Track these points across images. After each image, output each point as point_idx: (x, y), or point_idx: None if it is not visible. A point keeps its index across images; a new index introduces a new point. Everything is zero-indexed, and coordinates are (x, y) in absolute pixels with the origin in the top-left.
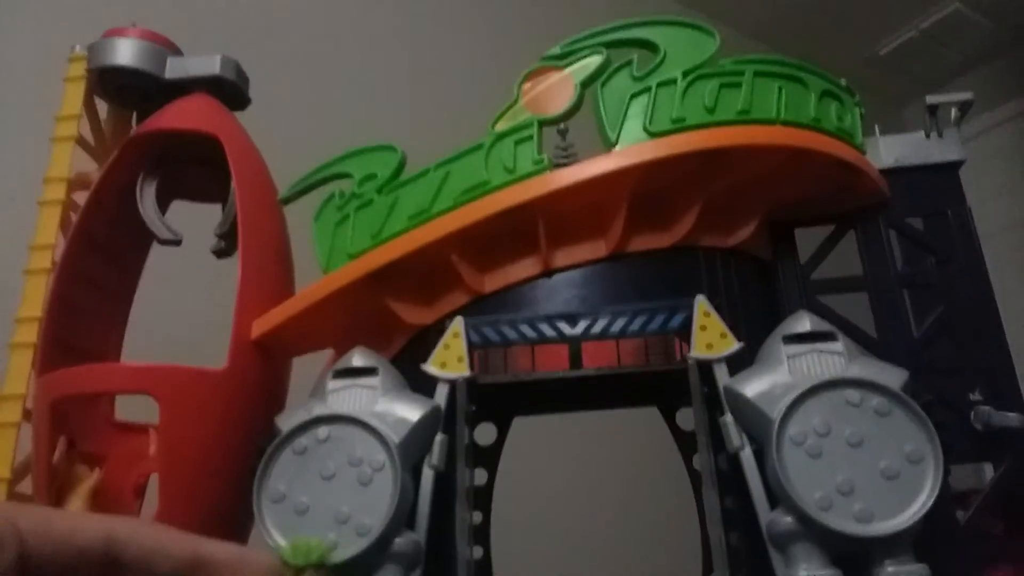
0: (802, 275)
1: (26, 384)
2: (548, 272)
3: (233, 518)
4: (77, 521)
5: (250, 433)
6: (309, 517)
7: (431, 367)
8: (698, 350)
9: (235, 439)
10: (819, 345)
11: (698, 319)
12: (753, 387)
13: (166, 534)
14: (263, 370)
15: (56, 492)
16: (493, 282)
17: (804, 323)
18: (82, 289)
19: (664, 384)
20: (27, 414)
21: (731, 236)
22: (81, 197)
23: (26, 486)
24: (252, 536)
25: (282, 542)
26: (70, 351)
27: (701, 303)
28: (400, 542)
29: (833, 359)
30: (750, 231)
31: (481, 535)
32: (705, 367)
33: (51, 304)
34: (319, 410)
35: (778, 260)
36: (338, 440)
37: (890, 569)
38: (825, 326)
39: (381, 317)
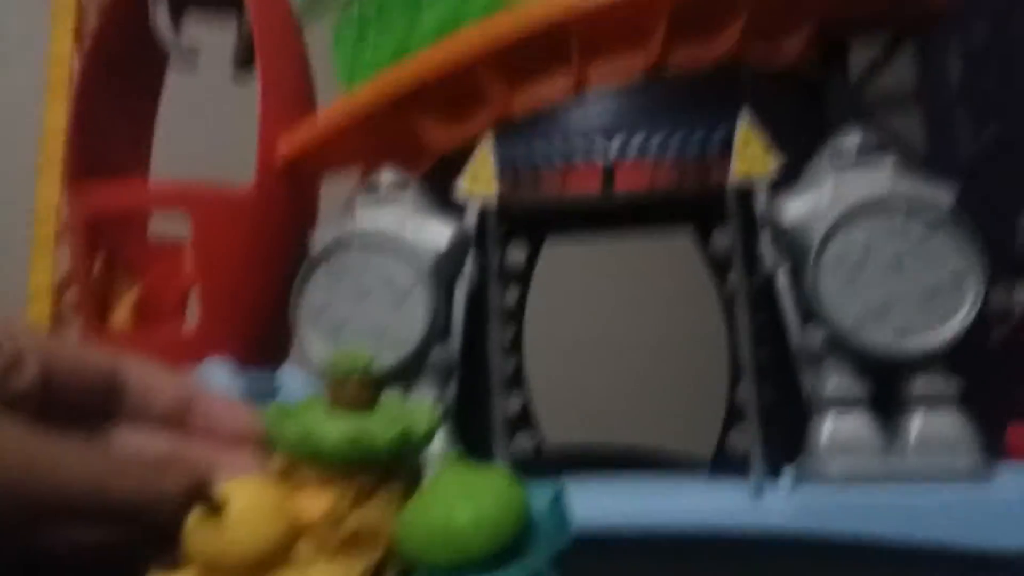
0: (853, 93)
1: (57, 199)
2: (581, 90)
3: (273, 332)
4: (83, 350)
5: (283, 250)
6: (347, 332)
7: (461, 187)
8: (738, 170)
9: (269, 256)
10: (866, 164)
11: (739, 138)
12: (795, 207)
13: (166, 373)
14: (292, 188)
15: (98, 306)
16: (523, 101)
17: (853, 139)
18: (103, 104)
19: (699, 206)
20: (64, 229)
21: (778, 52)
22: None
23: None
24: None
25: (322, 355)
26: (98, 168)
27: (743, 122)
28: (436, 355)
29: (880, 178)
30: (799, 46)
31: (514, 348)
32: (744, 189)
33: (74, 119)
34: (351, 228)
35: (828, 78)
36: (372, 258)
37: (922, 384)
38: (874, 144)
39: (407, 137)
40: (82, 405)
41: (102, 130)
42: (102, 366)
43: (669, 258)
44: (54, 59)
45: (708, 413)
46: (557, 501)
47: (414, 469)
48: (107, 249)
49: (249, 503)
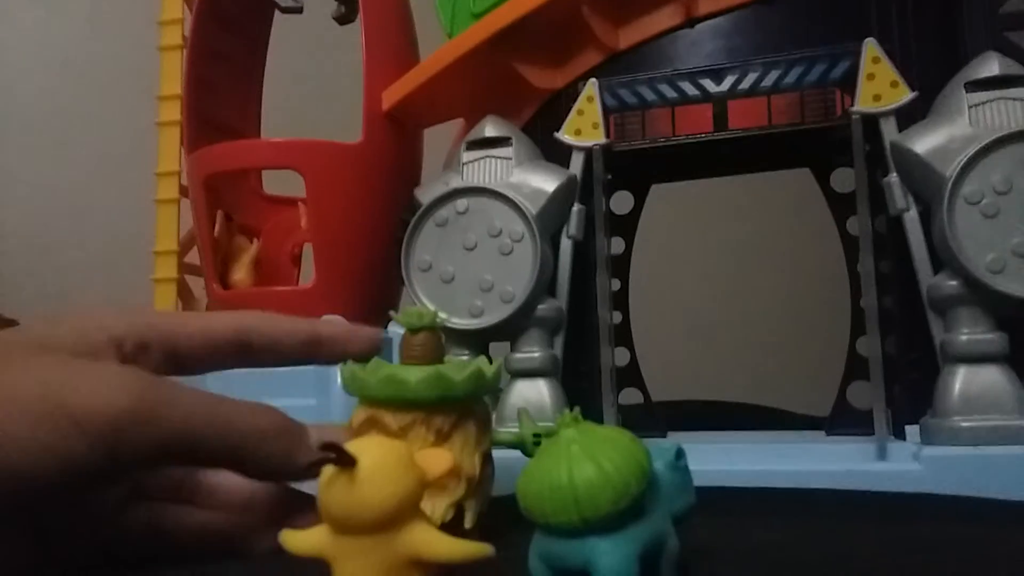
0: (991, 8)
1: (178, 161)
2: (690, 21)
3: (384, 285)
4: (210, 319)
5: (391, 204)
6: (455, 285)
7: (565, 135)
8: (864, 102)
9: (378, 210)
10: (1008, 92)
11: (865, 66)
12: (926, 142)
13: (286, 319)
14: (397, 141)
15: (219, 265)
16: (628, 37)
17: (991, 66)
18: (214, 64)
19: (820, 143)
20: (184, 190)
21: None
22: None
23: (193, 258)
24: (402, 300)
25: (432, 307)
26: (213, 127)
27: (870, 47)
28: (543, 308)
29: (1021, 108)
30: None
31: (620, 302)
32: (870, 122)
33: (188, 81)
34: (456, 182)
35: None
36: (477, 212)
37: None
38: (1016, 69)
39: (510, 83)
40: (216, 368)
41: (215, 90)
42: (228, 331)
43: (784, 201)
44: (166, 22)
45: (826, 368)
46: (678, 461)
47: (485, 413)
48: (225, 209)
49: (379, 461)
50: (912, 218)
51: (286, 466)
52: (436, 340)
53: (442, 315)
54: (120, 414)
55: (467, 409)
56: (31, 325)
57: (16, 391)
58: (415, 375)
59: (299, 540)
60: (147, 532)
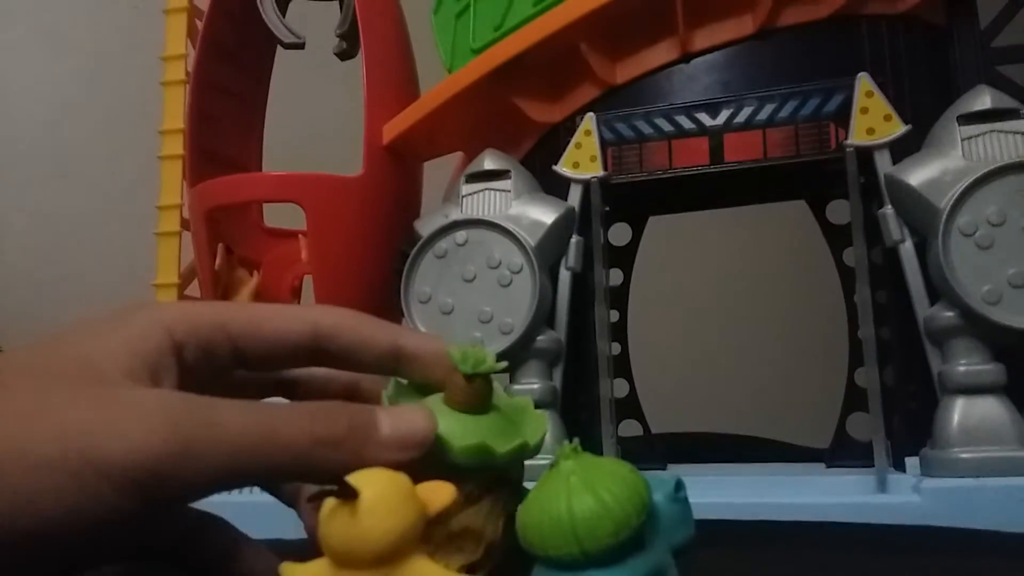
0: (982, 42)
1: (180, 194)
2: (686, 57)
3: (384, 316)
4: (285, 320)
5: (391, 236)
6: (454, 316)
7: (563, 168)
8: (858, 136)
9: (378, 242)
10: (999, 124)
11: (859, 100)
12: (920, 174)
13: (368, 325)
14: (397, 174)
15: (220, 296)
16: (626, 71)
17: (983, 99)
18: (217, 98)
19: (815, 176)
20: (185, 223)
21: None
22: (203, 3)
23: (193, 290)
24: None
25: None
26: (215, 161)
27: (863, 81)
28: (542, 339)
29: (1016, 140)
30: None
31: (619, 333)
32: (864, 155)
33: (191, 114)
34: (455, 215)
35: (954, 25)
36: (476, 244)
37: None
38: (1008, 102)
39: (509, 116)
40: (286, 366)
41: (217, 124)
42: (304, 336)
43: (781, 233)
44: (170, 57)
45: (825, 399)
46: (678, 493)
47: (519, 475)
48: (226, 241)
49: (381, 493)
50: (908, 249)
51: (356, 469)
52: (490, 387)
53: (502, 363)
54: (155, 457)
55: (506, 470)
56: (83, 329)
57: (31, 445)
58: (460, 441)
59: (300, 573)
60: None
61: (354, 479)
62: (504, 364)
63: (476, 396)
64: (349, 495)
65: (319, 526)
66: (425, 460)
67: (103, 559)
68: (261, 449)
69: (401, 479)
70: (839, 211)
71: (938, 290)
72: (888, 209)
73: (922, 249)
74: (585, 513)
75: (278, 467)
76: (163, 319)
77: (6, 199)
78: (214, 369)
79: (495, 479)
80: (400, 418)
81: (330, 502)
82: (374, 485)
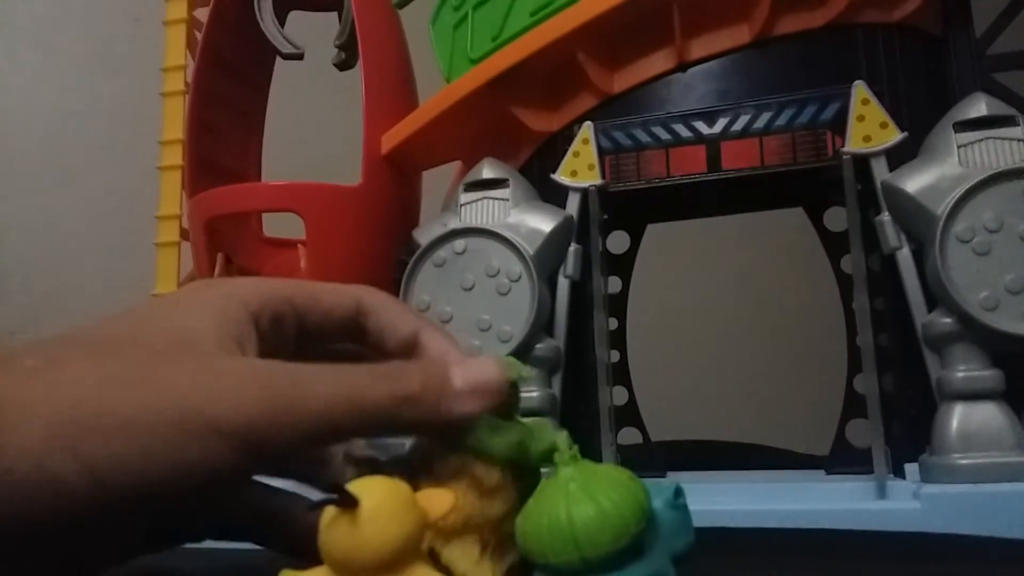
0: (978, 50)
1: (179, 205)
2: (683, 66)
3: None
4: (337, 295)
5: (390, 245)
6: (453, 325)
7: (561, 176)
8: (854, 143)
9: (377, 251)
10: (996, 131)
11: (855, 108)
12: (916, 181)
13: (398, 309)
14: (396, 184)
15: None
16: (623, 81)
17: (979, 107)
18: (216, 109)
19: (812, 183)
20: (184, 233)
21: (896, 8)
22: (203, 14)
23: None
24: None
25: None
26: (214, 171)
27: (860, 89)
28: (541, 348)
29: (1012, 147)
30: (919, 0)
31: (618, 341)
32: (861, 162)
33: (190, 125)
34: (454, 223)
35: (950, 34)
36: (475, 252)
37: None
38: (1004, 109)
39: (507, 126)
40: (328, 336)
41: (217, 135)
42: (350, 310)
43: (779, 240)
44: (169, 68)
45: (824, 406)
46: (677, 499)
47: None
48: (225, 251)
49: (381, 502)
50: (905, 256)
51: (435, 423)
52: (518, 397)
53: (531, 370)
54: (259, 417)
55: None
56: (166, 305)
57: (158, 409)
58: (502, 441)
59: None
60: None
61: (354, 487)
62: (535, 372)
63: (511, 401)
64: (349, 504)
65: (319, 535)
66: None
67: (199, 522)
68: (347, 410)
69: (401, 487)
70: (836, 218)
71: (936, 297)
72: (885, 216)
73: (919, 256)
74: (584, 520)
75: (363, 426)
76: (239, 293)
77: (5, 209)
78: (281, 339)
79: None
80: (471, 370)
81: (330, 511)
82: (374, 493)
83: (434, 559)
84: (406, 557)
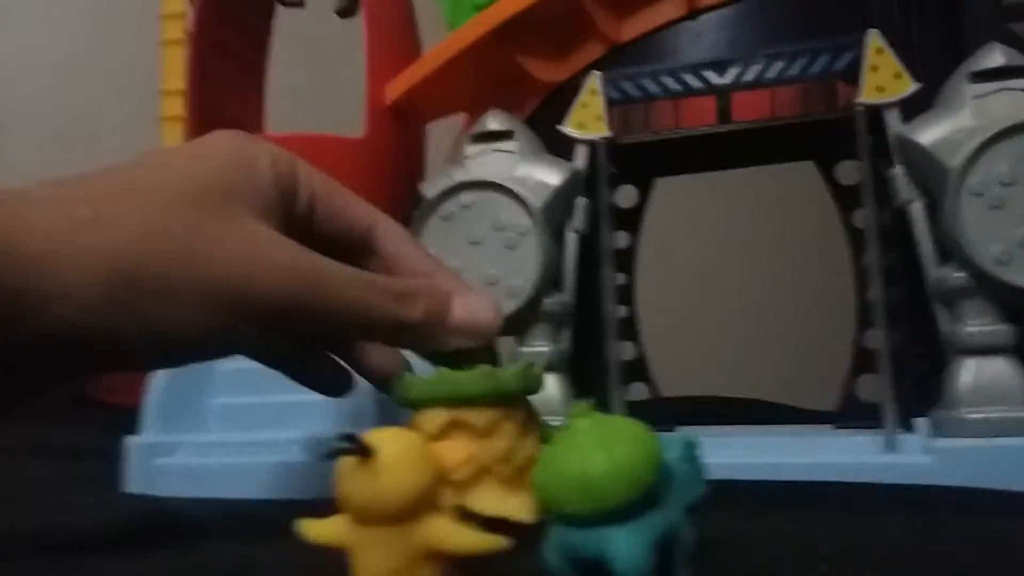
0: (993, 1)
1: None
2: (693, 13)
3: None
4: (356, 202)
5: (395, 199)
6: None
7: (568, 128)
8: (867, 94)
9: (382, 205)
10: (1012, 82)
11: (869, 58)
12: (931, 133)
13: (417, 245)
14: (400, 136)
15: None
16: (631, 29)
17: (995, 57)
18: (217, 58)
19: (824, 135)
20: None
21: None
22: None
23: None
24: None
25: None
26: (216, 122)
27: (874, 38)
28: (549, 303)
29: None
30: None
31: (626, 296)
32: (874, 113)
33: (191, 75)
34: (461, 176)
35: None
36: (482, 206)
37: None
38: (1020, 59)
39: (513, 76)
40: (336, 244)
41: (219, 85)
42: (364, 222)
43: (789, 194)
44: (168, 16)
45: (832, 362)
46: (690, 452)
47: (531, 409)
48: None
49: (398, 452)
50: (918, 210)
51: (427, 348)
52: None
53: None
54: (287, 308)
55: (515, 404)
56: (207, 152)
57: (205, 286)
58: (469, 375)
59: (319, 529)
60: None
61: (372, 438)
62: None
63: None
64: (366, 453)
65: (337, 484)
66: (478, 406)
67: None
68: (356, 321)
69: (417, 439)
70: (848, 172)
71: (948, 251)
72: (898, 169)
73: (932, 210)
74: (599, 472)
75: (367, 336)
76: (269, 155)
77: (5, 163)
78: (294, 217)
79: (529, 410)
80: (470, 308)
81: (347, 461)
82: (391, 444)
83: (463, 516)
84: (423, 507)
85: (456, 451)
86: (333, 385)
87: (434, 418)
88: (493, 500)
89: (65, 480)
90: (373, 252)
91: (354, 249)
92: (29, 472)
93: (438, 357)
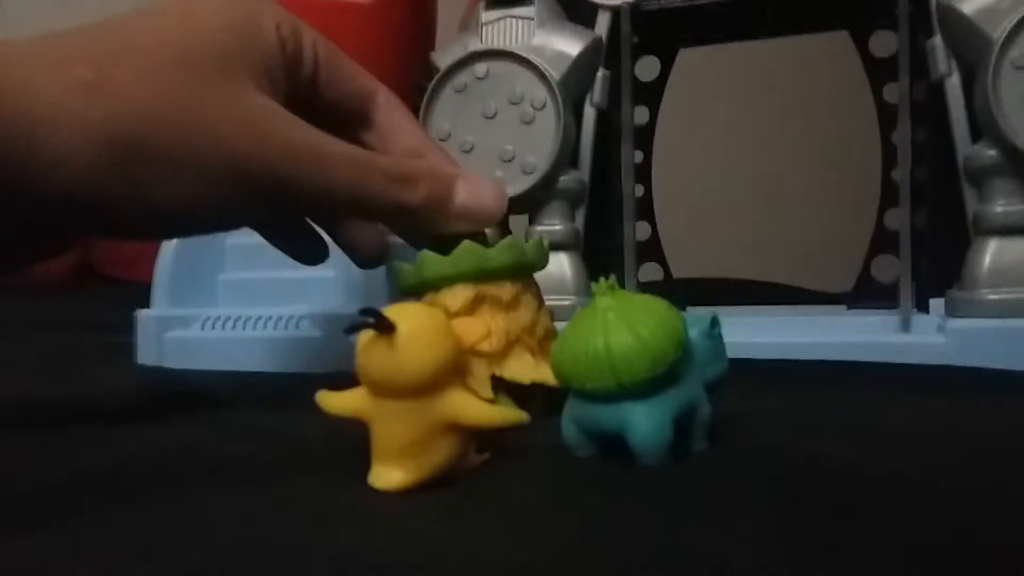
0: None
1: None
2: None
3: None
4: (358, 71)
5: (405, 68)
6: (474, 155)
7: None
8: None
9: (391, 75)
10: None
11: None
12: (974, 1)
13: (413, 121)
14: (410, 0)
15: None
16: None
17: None
18: None
19: (859, 4)
20: None
21: None
22: None
23: None
24: None
25: None
26: None
27: None
28: (565, 180)
29: None
30: None
31: (643, 174)
32: None
33: None
34: (475, 45)
35: None
36: (498, 77)
37: None
38: None
39: None
40: (334, 112)
41: None
42: (364, 92)
43: (815, 69)
44: None
45: (848, 245)
46: (712, 329)
47: (538, 289)
48: None
49: (418, 326)
50: (954, 84)
51: (435, 219)
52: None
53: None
54: (288, 184)
55: (530, 276)
56: (208, 8)
57: (207, 160)
58: (495, 247)
59: (338, 401)
60: None
61: (392, 313)
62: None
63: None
64: (386, 329)
65: (357, 357)
66: (501, 279)
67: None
68: (355, 202)
69: (437, 314)
70: (883, 43)
71: (982, 127)
72: (937, 40)
73: (969, 84)
74: (622, 348)
75: (366, 216)
76: (273, 15)
77: None
78: (291, 83)
79: (525, 286)
80: (474, 192)
81: (367, 334)
82: (411, 320)
83: (495, 384)
84: (442, 380)
85: (482, 325)
86: (308, 254)
87: (460, 294)
88: (528, 367)
89: (78, 353)
90: (370, 123)
91: (352, 118)
92: (42, 346)
93: (426, 239)
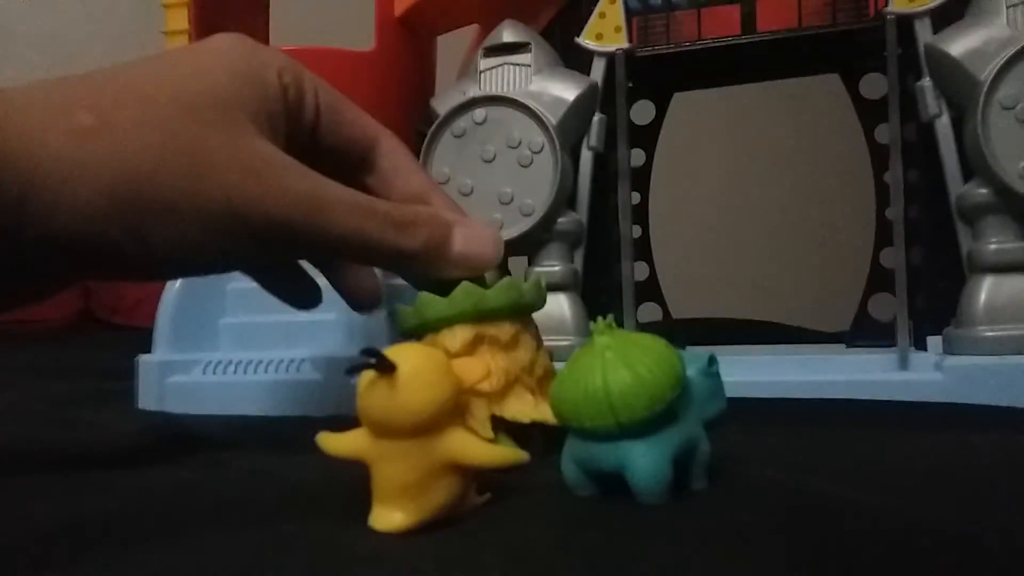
0: None
1: None
2: None
3: None
4: (360, 116)
5: (406, 115)
6: (474, 198)
7: (586, 40)
8: (898, 3)
9: (392, 120)
10: None
11: None
12: (961, 44)
13: (416, 164)
14: (411, 49)
15: None
16: None
17: None
18: None
19: (850, 47)
20: None
21: None
22: None
23: None
24: None
25: None
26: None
27: None
28: (563, 221)
29: None
30: None
31: (640, 215)
32: (904, 23)
33: None
34: (473, 91)
35: None
36: (496, 122)
37: None
38: None
39: None
40: (336, 157)
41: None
42: (367, 137)
43: (807, 111)
44: None
45: (844, 284)
46: (711, 367)
47: (536, 329)
48: None
49: (418, 367)
50: (944, 124)
51: (433, 264)
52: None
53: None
54: (288, 231)
55: (527, 317)
56: (210, 55)
57: (209, 206)
58: (493, 289)
59: (338, 442)
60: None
61: (392, 353)
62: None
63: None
64: (387, 369)
65: (358, 397)
66: (500, 319)
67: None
68: (355, 249)
69: (437, 354)
70: (873, 85)
71: (973, 167)
72: (926, 81)
73: (959, 124)
74: (621, 386)
75: (363, 260)
76: (275, 62)
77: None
78: (293, 130)
79: (524, 327)
80: (471, 239)
81: (368, 374)
82: (412, 360)
83: (495, 424)
84: (442, 420)
85: (482, 365)
86: (302, 298)
87: (459, 334)
88: (528, 407)
89: (80, 398)
90: (373, 167)
91: (354, 163)
92: (44, 390)
93: (425, 281)
